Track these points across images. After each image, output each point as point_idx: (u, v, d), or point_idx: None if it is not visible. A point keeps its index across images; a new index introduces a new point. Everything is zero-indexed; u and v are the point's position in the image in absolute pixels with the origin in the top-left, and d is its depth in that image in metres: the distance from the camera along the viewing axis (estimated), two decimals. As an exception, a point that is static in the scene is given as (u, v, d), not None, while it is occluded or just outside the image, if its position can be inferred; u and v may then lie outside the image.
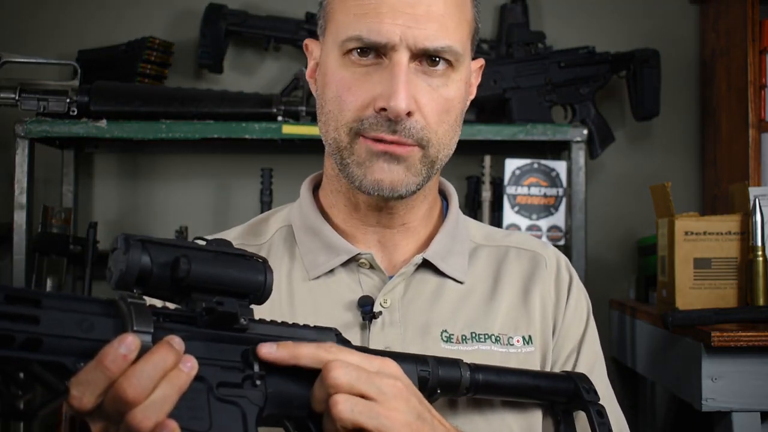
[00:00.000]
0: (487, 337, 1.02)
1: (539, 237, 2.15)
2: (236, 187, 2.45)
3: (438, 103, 0.97)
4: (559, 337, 1.07)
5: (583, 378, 1.00)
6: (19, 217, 2.07)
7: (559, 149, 2.33)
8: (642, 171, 2.47)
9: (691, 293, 1.84)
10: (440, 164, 1.01)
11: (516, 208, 2.17)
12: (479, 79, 1.10)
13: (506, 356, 1.02)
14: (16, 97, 2.07)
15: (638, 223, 2.43)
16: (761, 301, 1.79)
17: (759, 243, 1.80)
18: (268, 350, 0.77)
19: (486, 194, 2.21)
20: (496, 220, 2.20)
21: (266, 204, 2.21)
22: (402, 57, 0.94)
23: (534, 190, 2.17)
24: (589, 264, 2.19)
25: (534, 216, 2.17)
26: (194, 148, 2.38)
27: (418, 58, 0.96)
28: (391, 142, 0.96)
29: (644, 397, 2.34)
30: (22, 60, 2.16)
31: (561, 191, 2.17)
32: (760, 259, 1.80)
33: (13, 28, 2.43)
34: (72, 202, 2.36)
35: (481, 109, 2.27)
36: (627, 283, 2.42)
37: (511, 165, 2.17)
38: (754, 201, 1.81)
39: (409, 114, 0.95)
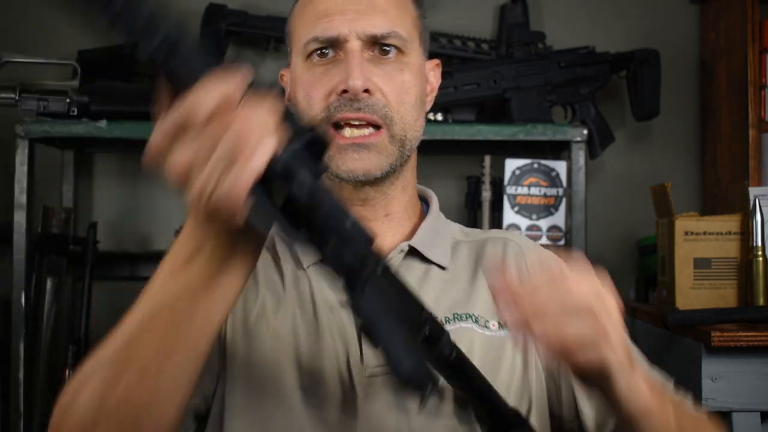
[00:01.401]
0: (468, 316, 1.06)
1: (539, 237, 2.15)
2: (236, 187, 2.45)
3: (396, 84, 1.06)
4: None
5: (518, 414, 1.00)
6: (19, 217, 2.06)
7: (559, 149, 2.33)
8: (642, 171, 2.47)
9: (691, 293, 1.84)
10: (410, 146, 1.08)
11: (516, 208, 2.17)
12: (439, 79, 1.17)
13: (483, 337, 1.05)
14: (16, 97, 2.06)
15: (638, 223, 2.43)
16: (761, 301, 1.79)
17: (759, 243, 1.80)
18: None
19: (486, 194, 2.21)
20: (496, 220, 2.20)
21: (266, 204, 2.21)
22: (354, 45, 1.05)
23: (534, 190, 2.17)
24: (589, 264, 2.19)
25: (534, 216, 2.17)
26: (194, 148, 2.37)
27: (370, 48, 1.06)
28: (356, 119, 1.03)
29: (644, 397, 2.33)
30: (22, 60, 2.16)
31: (561, 191, 2.17)
32: (760, 259, 1.80)
33: (13, 28, 2.43)
34: (72, 202, 2.35)
35: (481, 109, 2.27)
36: (627, 283, 2.42)
37: (511, 165, 2.17)
38: (754, 201, 1.81)
39: (368, 92, 1.03)
